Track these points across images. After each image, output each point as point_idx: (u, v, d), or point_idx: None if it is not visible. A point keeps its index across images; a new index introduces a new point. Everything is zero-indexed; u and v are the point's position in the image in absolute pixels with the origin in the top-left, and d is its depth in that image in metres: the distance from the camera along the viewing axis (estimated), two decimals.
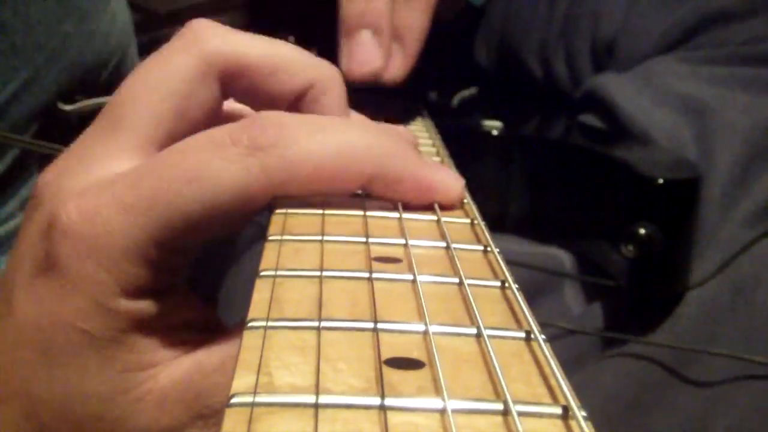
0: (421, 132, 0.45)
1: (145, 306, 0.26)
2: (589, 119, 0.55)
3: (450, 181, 0.29)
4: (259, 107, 0.32)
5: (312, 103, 0.31)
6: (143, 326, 0.26)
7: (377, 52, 0.44)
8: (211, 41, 0.30)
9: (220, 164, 0.25)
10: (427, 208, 0.28)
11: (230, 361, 0.19)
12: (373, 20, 0.45)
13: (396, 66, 0.45)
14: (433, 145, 0.41)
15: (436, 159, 0.38)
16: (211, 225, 0.26)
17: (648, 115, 0.51)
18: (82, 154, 0.29)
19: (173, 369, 0.27)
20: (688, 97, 0.52)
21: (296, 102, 0.32)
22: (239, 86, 0.31)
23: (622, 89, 0.54)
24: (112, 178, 0.27)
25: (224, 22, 0.31)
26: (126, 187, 0.26)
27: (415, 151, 0.29)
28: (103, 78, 0.53)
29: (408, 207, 0.28)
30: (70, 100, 0.49)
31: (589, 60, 0.62)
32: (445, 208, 0.28)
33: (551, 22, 0.64)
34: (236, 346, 0.19)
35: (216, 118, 0.31)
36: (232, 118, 0.33)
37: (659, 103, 0.52)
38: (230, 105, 0.33)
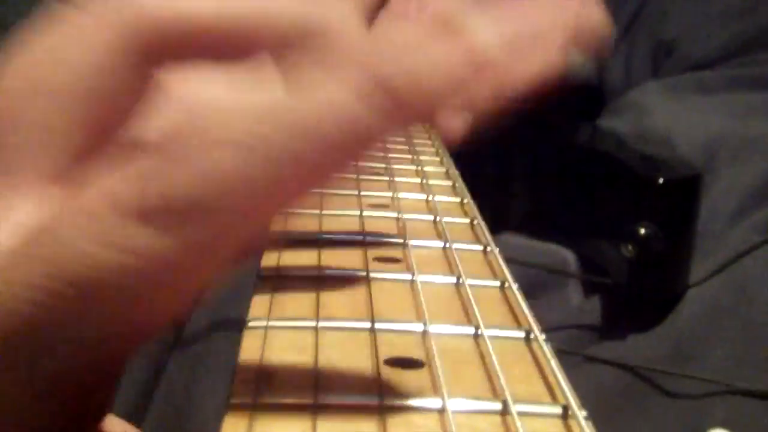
0: (421, 131, 0.44)
1: None
2: (611, 125, 0.55)
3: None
4: None
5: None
6: None
7: None
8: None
9: (120, 244, 0.16)
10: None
11: None
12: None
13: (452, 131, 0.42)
14: (433, 145, 0.41)
15: (435, 159, 0.38)
16: (87, 329, 0.17)
17: (678, 127, 0.52)
18: None
19: None
20: (720, 124, 0.52)
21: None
22: (183, 58, 0.20)
23: (659, 100, 0.54)
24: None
25: None
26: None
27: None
28: None
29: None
30: None
31: (649, 60, 0.62)
32: None
33: (616, 19, 0.64)
34: None
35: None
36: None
37: (691, 119, 0.52)
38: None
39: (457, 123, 0.45)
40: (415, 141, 0.42)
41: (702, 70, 0.58)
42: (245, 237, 0.17)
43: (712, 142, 0.50)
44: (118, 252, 0.16)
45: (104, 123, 0.20)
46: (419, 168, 0.35)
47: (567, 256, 0.51)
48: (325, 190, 0.22)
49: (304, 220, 0.27)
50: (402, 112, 0.16)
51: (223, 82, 0.19)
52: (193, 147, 0.16)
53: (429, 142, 0.42)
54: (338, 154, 0.16)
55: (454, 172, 0.35)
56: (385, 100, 0.16)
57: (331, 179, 0.17)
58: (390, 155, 0.37)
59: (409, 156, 0.38)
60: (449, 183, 0.34)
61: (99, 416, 0.20)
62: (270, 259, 0.23)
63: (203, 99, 0.20)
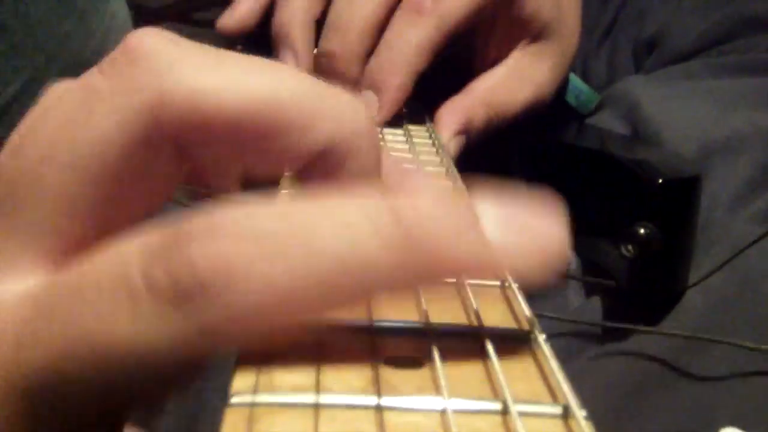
0: (421, 131, 0.44)
1: None
2: (600, 119, 0.55)
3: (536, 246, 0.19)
4: (244, 176, 0.22)
5: (329, 172, 0.20)
6: None
7: None
8: (162, 79, 0.19)
9: (128, 325, 0.17)
10: None
11: None
12: (342, 68, 0.44)
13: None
14: (433, 144, 0.41)
15: (436, 158, 0.38)
16: (129, 397, 0.18)
17: (667, 116, 0.52)
18: None
19: None
20: (709, 110, 0.52)
21: (305, 171, 0.21)
22: (206, 155, 0.20)
23: (647, 91, 0.54)
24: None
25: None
26: (5, 353, 0.18)
27: (460, 233, 0.18)
28: None
29: None
30: None
31: (630, 59, 0.62)
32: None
33: (600, 24, 0.65)
34: None
35: (171, 188, 0.21)
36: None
37: (680, 106, 0.53)
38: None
39: (451, 146, 0.46)
40: (415, 141, 0.42)
41: (684, 61, 0.59)
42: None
43: (703, 131, 0.50)
44: (149, 329, 0.16)
45: (119, 200, 0.20)
46: (419, 168, 0.35)
47: (569, 257, 0.51)
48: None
49: None
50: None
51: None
52: (236, 261, 0.16)
53: (429, 142, 0.42)
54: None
55: (455, 171, 0.35)
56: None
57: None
58: (390, 155, 0.37)
59: (409, 155, 0.38)
60: (449, 183, 0.34)
61: None
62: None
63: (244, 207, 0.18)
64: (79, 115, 0.19)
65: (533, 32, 0.50)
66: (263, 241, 0.16)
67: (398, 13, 0.45)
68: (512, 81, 0.50)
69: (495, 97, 0.49)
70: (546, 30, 0.51)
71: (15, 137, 0.19)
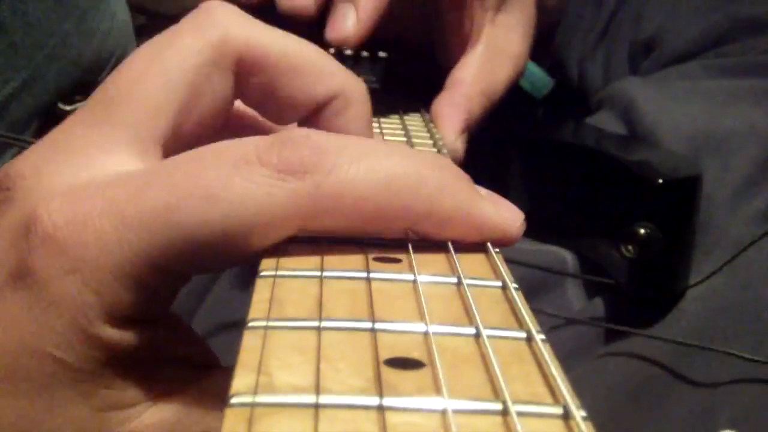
0: (422, 131, 0.44)
1: (131, 336, 0.23)
2: (598, 119, 0.55)
3: (509, 216, 0.25)
4: (272, 113, 0.29)
5: (333, 117, 0.28)
6: (127, 359, 0.23)
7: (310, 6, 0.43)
8: (228, 25, 0.26)
9: (243, 184, 0.21)
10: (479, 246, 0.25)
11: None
12: None
13: (345, 29, 0.43)
14: (434, 144, 0.41)
15: None
16: (220, 253, 0.22)
17: (663, 115, 0.52)
18: (69, 146, 0.24)
19: (158, 411, 0.23)
20: (704, 111, 0.52)
21: (315, 112, 0.28)
22: (254, 84, 0.27)
23: (643, 90, 0.54)
24: (107, 179, 0.23)
25: None
26: (127, 195, 0.22)
27: (469, 184, 0.25)
28: (103, 77, 0.53)
29: (457, 246, 0.24)
30: (70, 101, 0.49)
31: (626, 61, 0.62)
32: (499, 244, 0.25)
33: (596, 25, 0.65)
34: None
35: (226, 118, 0.28)
36: (242, 122, 0.30)
37: (676, 106, 0.52)
38: (240, 106, 0.29)
39: (459, 145, 0.46)
40: (415, 141, 0.42)
41: (681, 63, 0.58)
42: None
43: (698, 130, 0.50)
44: (272, 195, 0.21)
45: (194, 111, 0.26)
46: None
47: (566, 257, 0.51)
48: None
49: None
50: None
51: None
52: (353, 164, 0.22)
53: (430, 142, 0.42)
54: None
55: None
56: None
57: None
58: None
59: None
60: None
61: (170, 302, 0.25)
62: (270, 260, 0.23)
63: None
64: (167, 44, 0.26)
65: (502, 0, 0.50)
66: (345, 148, 0.22)
67: None
68: (492, 60, 0.49)
69: (484, 83, 0.48)
70: None
71: (122, 63, 0.26)
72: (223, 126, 0.28)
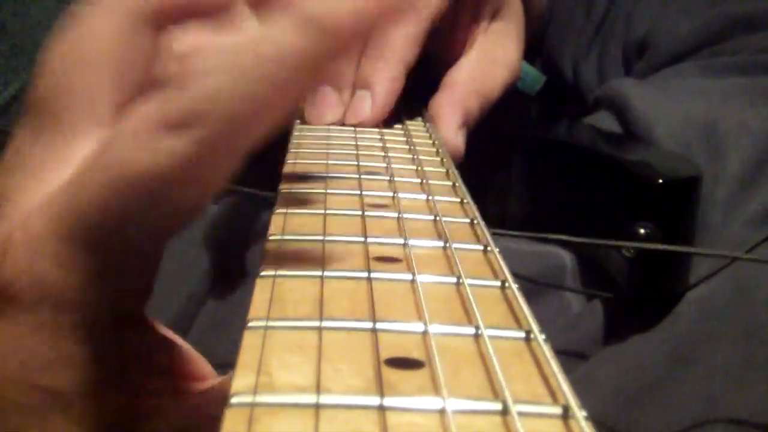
0: (421, 131, 0.45)
1: (111, 347, 0.23)
2: (596, 119, 0.55)
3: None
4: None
5: None
6: (114, 375, 0.23)
7: (336, 105, 0.45)
8: None
9: (132, 151, 0.22)
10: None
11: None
12: (332, 77, 0.45)
13: (363, 113, 0.45)
14: (433, 144, 0.41)
15: (436, 159, 0.38)
16: (143, 214, 0.23)
17: (657, 114, 0.52)
18: (24, 163, 0.25)
19: (157, 426, 0.24)
20: (699, 110, 0.52)
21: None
22: (179, 22, 0.28)
23: (637, 90, 0.54)
24: (54, 190, 0.24)
25: None
26: (61, 203, 0.23)
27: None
28: None
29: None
30: None
31: (620, 62, 0.62)
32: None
33: (587, 25, 0.65)
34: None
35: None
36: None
37: (670, 105, 0.52)
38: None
39: (460, 140, 0.46)
40: (415, 141, 0.42)
41: (674, 63, 0.58)
42: (241, 140, 0.22)
43: (692, 130, 0.50)
44: (153, 154, 0.21)
45: (132, 80, 0.26)
46: (419, 168, 0.35)
47: (565, 259, 0.51)
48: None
49: (305, 220, 0.27)
50: (328, 39, 0.22)
51: (211, 33, 0.27)
52: (194, 77, 0.21)
53: (429, 142, 0.42)
54: (294, 74, 0.22)
55: (455, 172, 0.35)
56: (313, 30, 0.21)
57: (296, 95, 0.24)
58: (390, 155, 0.37)
59: (410, 156, 0.38)
60: (449, 183, 0.34)
61: (146, 296, 0.25)
62: (270, 260, 0.23)
63: (199, 45, 0.27)
64: (90, 22, 0.26)
65: (495, 8, 0.51)
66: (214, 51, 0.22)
67: None
68: (486, 64, 0.50)
69: (480, 84, 0.49)
70: (502, 6, 0.51)
71: (41, 64, 0.26)
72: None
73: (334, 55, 0.22)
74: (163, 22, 0.27)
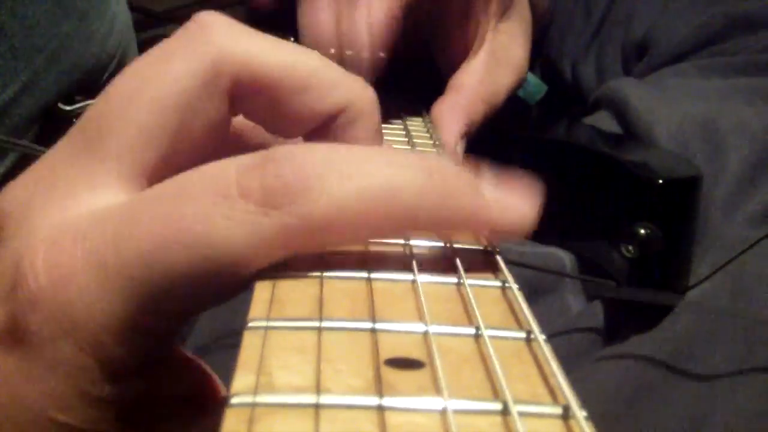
0: (421, 131, 0.45)
1: (135, 386, 0.22)
2: (596, 120, 0.55)
3: (514, 214, 0.24)
4: (276, 129, 0.27)
5: (341, 130, 0.26)
6: (134, 409, 0.22)
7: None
8: (223, 43, 0.24)
9: (223, 224, 0.20)
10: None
11: None
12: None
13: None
14: (434, 145, 0.41)
15: None
16: (211, 290, 0.21)
17: (656, 114, 0.52)
18: (54, 183, 0.23)
19: None
20: (698, 109, 0.52)
21: (322, 127, 0.26)
22: (254, 103, 0.25)
23: (636, 90, 0.54)
24: (90, 220, 0.22)
25: None
26: (104, 242, 0.21)
27: (472, 186, 0.23)
28: (104, 80, 0.53)
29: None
30: (70, 102, 0.49)
31: (619, 62, 0.62)
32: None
33: (587, 26, 0.65)
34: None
35: (222, 138, 0.26)
36: (241, 139, 0.29)
37: (669, 105, 0.52)
38: (240, 122, 0.27)
39: (459, 150, 0.46)
40: (415, 141, 0.42)
41: (674, 63, 0.58)
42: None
43: (691, 131, 0.50)
44: (249, 233, 0.20)
45: (186, 137, 0.24)
46: None
47: (564, 260, 0.51)
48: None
49: None
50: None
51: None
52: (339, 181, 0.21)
53: (430, 142, 0.42)
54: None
55: None
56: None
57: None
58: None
59: None
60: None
61: (179, 335, 0.25)
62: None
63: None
64: (158, 65, 0.24)
65: (505, 6, 0.50)
66: (333, 164, 0.21)
67: None
68: (495, 68, 0.50)
69: (486, 90, 0.49)
70: (511, 5, 0.51)
71: (108, 87, 0.24)
72: (221, 143, 0.26)
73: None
74: (234, 89, 0.24)
